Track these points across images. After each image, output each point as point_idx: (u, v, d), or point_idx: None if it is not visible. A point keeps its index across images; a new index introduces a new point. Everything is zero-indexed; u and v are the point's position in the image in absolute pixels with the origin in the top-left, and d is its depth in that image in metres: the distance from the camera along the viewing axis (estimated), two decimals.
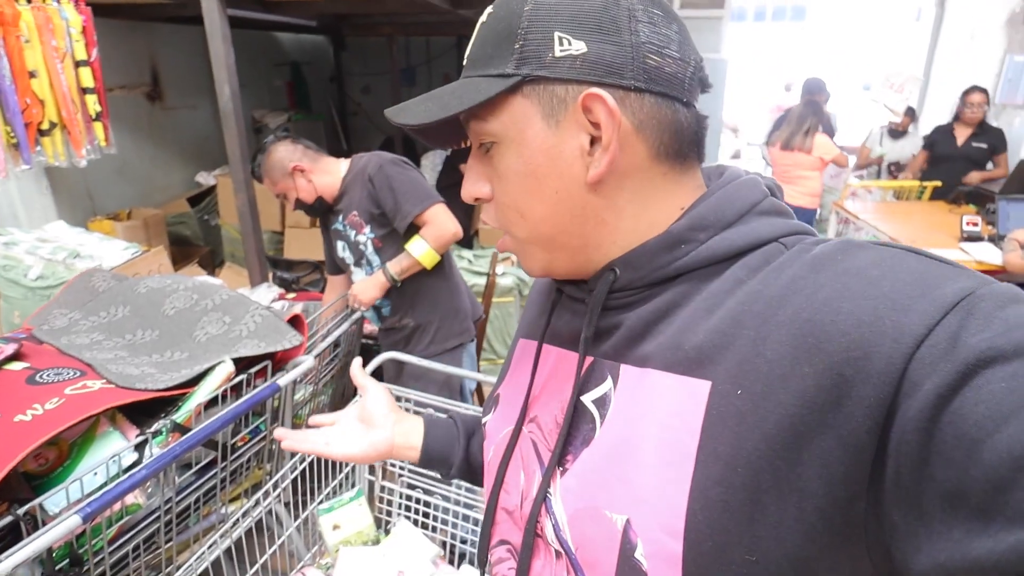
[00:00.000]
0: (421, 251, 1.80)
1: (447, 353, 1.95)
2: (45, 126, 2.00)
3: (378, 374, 1.38)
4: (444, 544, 1.31)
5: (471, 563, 1.29)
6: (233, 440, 1.24)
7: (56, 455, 1.04)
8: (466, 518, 1.31)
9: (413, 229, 1.82)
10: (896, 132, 4.85)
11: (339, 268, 2.10)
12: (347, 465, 1.34)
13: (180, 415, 1.11)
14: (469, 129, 0.52)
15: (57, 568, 0.93)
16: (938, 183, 4.23)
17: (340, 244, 1.97)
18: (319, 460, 1.29)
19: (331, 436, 0.75)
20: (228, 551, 1.11)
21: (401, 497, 1.35)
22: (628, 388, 0.49)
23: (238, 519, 1.13)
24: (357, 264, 1.96)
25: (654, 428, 0.45)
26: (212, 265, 3.85)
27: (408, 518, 1.32)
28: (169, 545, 1.14)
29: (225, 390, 1.17)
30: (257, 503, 1.18)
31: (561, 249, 0.51)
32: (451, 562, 1.25)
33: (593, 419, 0.50)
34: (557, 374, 0.57)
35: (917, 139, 4.89)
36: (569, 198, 0.48)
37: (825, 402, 0.37)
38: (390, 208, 1.80)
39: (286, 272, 3.17)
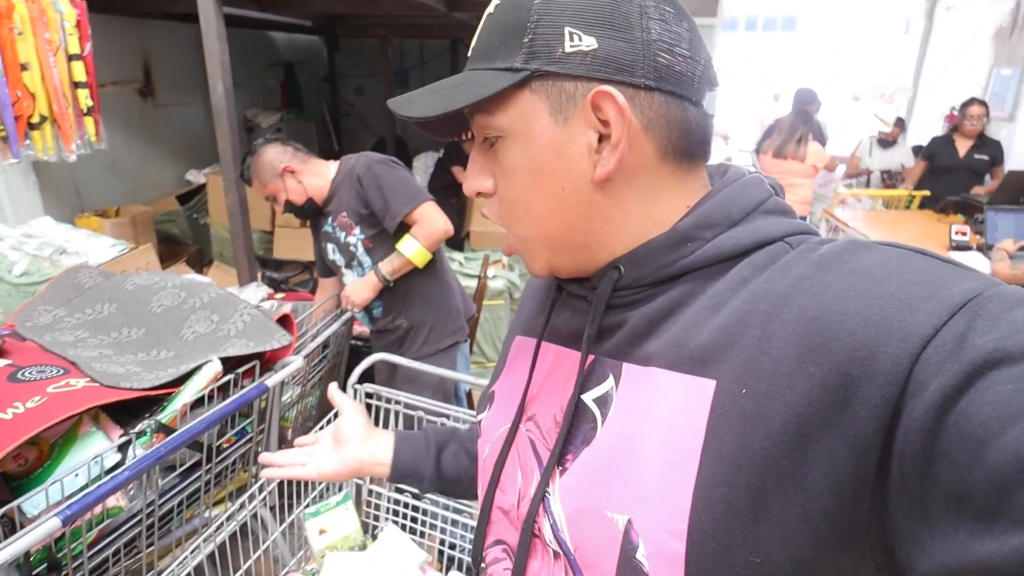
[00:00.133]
0: (412, 250, 1.79)
1: (441, 353, 1.94)
2: (35, 120, 1.97)
3: (369, 376, 1.36)
4: (433, 550, 1.30)
5: (460, 569, 1.27)
6: (219, 442, 1.22)
7: (36, 455, 1.02)
8: (455, 523, 1.29)
9: (403, 228, 1.81)
10: (886, 142, 4.90)
11: (329, 271, 2.08)
12: None
13: (165, 415, 1.09)
14: (474, 122, 0.51)
15: (35, 572, 0.91)
16: (926, 192, 4.27)
17: (330, 247, 1.95)
18: None
19: (308, 456, 0.78)
20: (211, 556, 1.09)
21: (389, 501, 1.33)
22: (630, 387, 0.48)
23: (222, 523, 1.11)
24: (348, 266, 1.94)
25: (657, 427, 0.44)
26: (200, 264, 3.81)
27: (396, 523, 1.30)
28: (151, 549, 1.12)
29: (212, 390, 1.15)
30: (242, 507, 1.16)
31: (566, 247, 0.51)
32: (441, 568, 1.24)
33: (594, 418, 0.50)
34: (556, 372, 0.56)
35: (906, 149, 4.95)
36: (575, 196, 0.48)
37: (831, 402, 0.37)
38: (379, 208, 1.79)
39: (275, 272, 3.15)
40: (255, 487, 1.18)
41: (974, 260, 3.01)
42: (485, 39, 0.49)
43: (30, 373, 1.07)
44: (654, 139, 0.47)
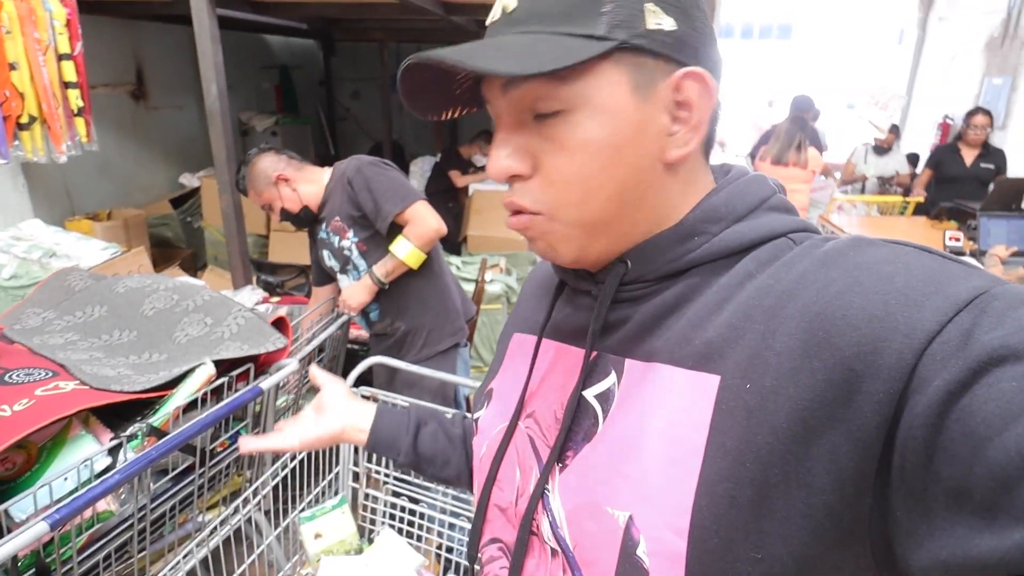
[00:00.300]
0: (405, 251, 1.78)
1: (440, 355, 1.92)
2: (24, 120, 1.95)
3: (366, 380, 1.35)
4: (430, 553, 1.28)
5: (457, 572, 1.26)
6: (212, 445, 1.20)
7: (24, 459, 1.00)
8: (452, 527, 1.28)
9: (397, 230, 1.80)
10: (881, 149, 4.95)
11: (325, 279, 2.07)
12: (330, 471, 1.30)
13: (157, 418, 1.08)
14: (522, 92, 0.45)
15: None
16: (920, 198, 4.30)
17: (326, 253, 1.94)
18: (301, 467, 1.25)
19: (289, 430, 0.78)
20: (204, 561, 1.07)
21: (385, 505, 1.31)
22: (633, 383, 0.48)
23: (216, 527, 1.09)
24: (343, 271, 1.93)
25: (660, 423, 0.44)
26: (194, 268, 3.79)
27: (392, 527, 1.29)
28: (143, 555, 1.10)
29: (205, 393, 1.13)
30: (236, 511, 1.15)
31: (608, 233, 0.48)
32: (438, 572, 1.22)
33: (595, 414, 0.49)
34: (556, 369, 0.56)
35: (900, 156, 4.99)
36: (640, 176, 0.47)
37: (835, 397, 0.37)
38: (370, 209, 1.78)
39: (270, 276, 3.13)
40: (249, 491, 1.16)
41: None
42: (545, 0, 0.45)
43: (18, 376, 1.05)
44: (708, 127, 0.48)
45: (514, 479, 0.55)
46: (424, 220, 1.77)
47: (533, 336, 0.59)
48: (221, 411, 1.13)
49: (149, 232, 3.59)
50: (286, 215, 1.91)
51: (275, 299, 2.34)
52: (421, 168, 4.98)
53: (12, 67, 1.88)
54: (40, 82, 1.97)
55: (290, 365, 1.30)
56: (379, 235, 1.82)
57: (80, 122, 2.14)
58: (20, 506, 0.91)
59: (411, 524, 1.29)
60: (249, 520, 1.19)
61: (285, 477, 1.24)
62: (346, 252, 1.87)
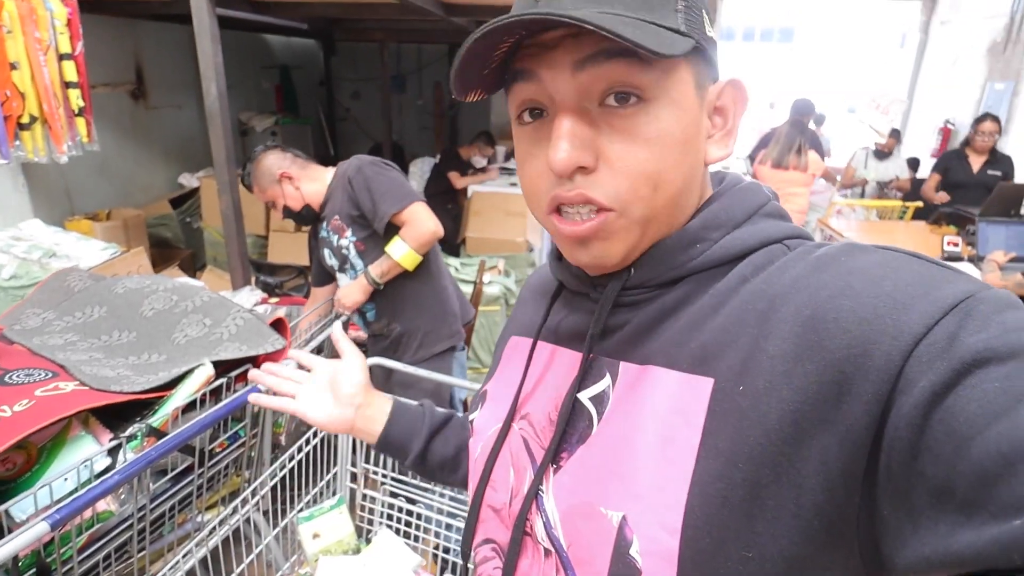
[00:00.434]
0: (401, 253, 1.78)
1: (436, 358, 1.92)
2: (25, 120, 1.95)
3: None
4: (427, 553, 1.28)
5: (454, 572, 1.26)
6: (211, 446, 1.21)
7: (24, 459, 1.00)
8: (449, 527, 1.28)
9: (394, 230, 1.80)
10: (881, 153, 4.95)
11: (325, 279, 2.07)
12: (328, 472, 1.31)
13: (156, 419, 1.08)
14: (597, 73, 0.42)
15: None
16: (919, 204, 4.30)
17: (326, 252, 1.95)
18: (299, 467, 1.26)
19: (300, 390, 0.75)
20: (203, 561, 1.08)
21: (383, 506, 1.32)
22: (627, 385, 0.48)
23: (214, 527, 1.09)
24: (341, 269, 1.94)
25: (655, 425, 0.45)
26: (193, 268, 3.79)
27: (390, 527, 1.29)
28: (142, 554, 1.11)
29: (204, 394, 1.14)
30: (235, 511, 1.15)
31: (655, 232, 0.48)
32: (435, 571, 1.22)
33: (590, 416, 0.50)
34: (551, 371, 0.56)
35: (901, 160, 4.99)
36: (695, 175, 0.48)
37: (826, 398, 0.37)
38: (368, 209, 1.78)
39: (269, 276, 3.13)
40: (248, 491, 1.16)
41: (965, 271, 3.04)
42: None
43: (18, 376, 1.06)
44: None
45: (508, 480, 0.56)
46: (421, 222, 1.77)
47: (529, 339, 0.60)
48: (220, 412, 1.14)
49: (148, 232, 3.59)
50: (288, 212, 1.92)
51: (274, 300, 2.35)
52: (420, 169, 4.98)
53: (13, 67, 1.89)
54: (41, 82, 1.97)
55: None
56: (377, 235, 1.82)
57: (81, 122, 2.14)
58: (20, 506, 0.91)
59: (408, 524, 1.30)
60: (248, 520, 1.19)
61: (283, 477, 1.24)
62: (344, 251, 1.88)
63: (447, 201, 4.38)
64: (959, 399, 0.32)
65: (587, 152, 0.44)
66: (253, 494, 1.18)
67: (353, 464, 1.31)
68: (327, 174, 1.92)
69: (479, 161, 4.49)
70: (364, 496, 1.32)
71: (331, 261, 1.95)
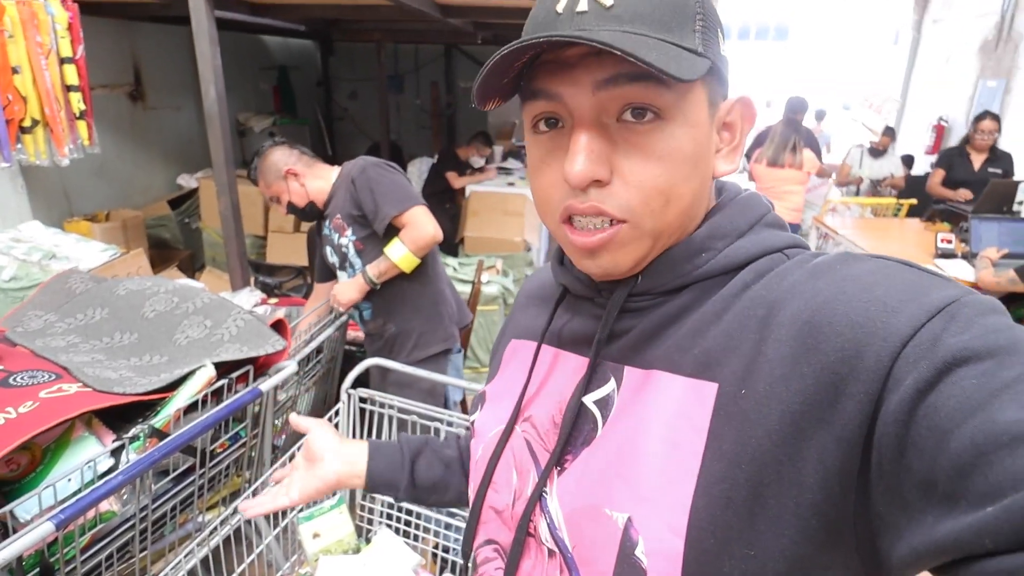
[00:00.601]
0: (399, 254, 1.79)
1: (430, 359, 1.94)
2: (27, 123, 1.96)
3: (364, 381, 1.37)
4: (427, 553, 1.30)
5: (453, 572, 1.27)
6: (212, 446, 1.22)
7: (29, 460, 1.01)
8: (449, 526, 1.30)
9: (394, 231, 1.81)
10: (876, 151, 4.97)
11: (327, 276, 2.09)
12: None
13: (158, 420, 1.09)
14: (616, 92, 0.43)
15: None
16: (913, 201, 4.32)
17: (328, 249, 1.97)
18: None
19: (289, 485, 0.77)
20: (205, 561, 1.09)
21: (383, 505, 1.33)
22: (632, 390, 0.50)
23: (216, 528, 1.11)
24: (341, 268, 1.95)
25: (660, 428, 0.46)
26: (192, 269, 3.80)
27: (390, 527, 1.30)
28: (144, 554, 1.12)
29: (205, 395, 1.15)
30: (235, 511, 1.16)
31: (663, 243, 0.50)
32: (435, 571, 1.24)
33: (594, 419, 0.51)
34: (555, 375, 0.57)
35: (895, 158, 5.01)
36: (704, 189, 0.50)
37: (822, 399, 0.39)
38: (370, 210, 1.79)
39: (268, 277, 3.14)
40: (249, 491, 1.17)
41: (959, 268, 3.06)
42: (648, 3, 0.43)
43: (22, 378, 1.07)
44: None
45: (510, 482, 0.57)
46: (421, 225, 1.78)
47: (531, 342, 0.61)
48: (221, 412, 1.15)
49: (147, 233, 3.59)
50: (292, 208, 1.94)
51: (273, 300, 2.36)
52: (419, 169, 4.99)
53: (15, 71, 1.90)
54: (42, 86, 1.98)
55: (289, 367, 1.32)
56: (376, 236, 1.84)
57: (82, 125, 2.15)
58: (25, 506, 0.92)
59: (408, 524, 1.31)
60: (248, 520, 1.20)
61: None
62: (344, 249, 1.89)
63: (445, 201, 4.39)
64: (940, 396, 0.34)
65: (603, 166, 0.45)
66: (254, 494, 1.19)
67: None
68: (332, 172, 1.93)
69: (477, 161, 4.50)
70: (364, 496, 1.33)
71: (332, 259, 1.97)
